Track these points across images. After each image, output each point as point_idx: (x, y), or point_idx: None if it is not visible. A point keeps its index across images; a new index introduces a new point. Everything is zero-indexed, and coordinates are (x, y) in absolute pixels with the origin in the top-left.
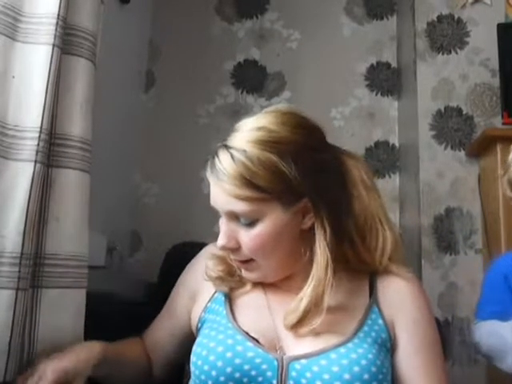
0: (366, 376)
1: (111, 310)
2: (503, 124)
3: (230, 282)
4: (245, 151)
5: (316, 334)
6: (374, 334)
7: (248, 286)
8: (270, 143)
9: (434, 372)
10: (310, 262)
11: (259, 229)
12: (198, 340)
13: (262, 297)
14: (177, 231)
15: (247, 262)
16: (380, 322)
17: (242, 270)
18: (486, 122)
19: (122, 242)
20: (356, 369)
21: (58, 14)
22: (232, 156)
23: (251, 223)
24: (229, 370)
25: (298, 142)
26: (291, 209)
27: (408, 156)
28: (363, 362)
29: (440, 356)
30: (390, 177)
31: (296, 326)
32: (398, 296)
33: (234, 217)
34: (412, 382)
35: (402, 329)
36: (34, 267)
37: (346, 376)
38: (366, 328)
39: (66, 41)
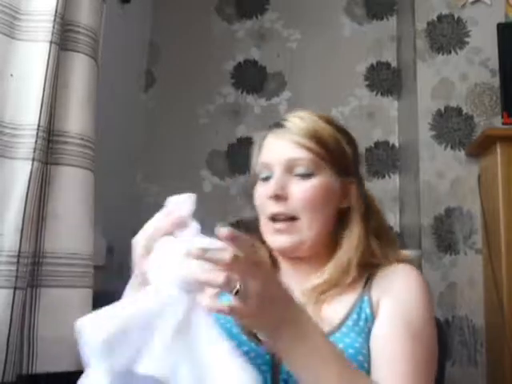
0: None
1: None
2: (503, 124)
3: None
4: (309, 117)
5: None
6: (361, 323)
7: None
8: (329, 120)
9: (411, 356)
10: (334, 245)
11: (313, 182)
12: None
13: None
14: None
15: (291, 220)
16: (368, 311)
17: (276, 237)
18: (486, 121)
19: (122, 242)
20: None
21: (56, 11)
22: (300, 117)
23: (307, 175)
24: None
25: (348, 137)
26: (339, 180)
27: (408, 156)
28: (350, 351)
29: (426, 346)
30: (389, 177)
31: (317, 290)
32: (390, 279)
33: (289, 168)
34: (378, 354)
35: (384, 304)
36: (33, 266)
37: None
38: (354, 316)
39: (64, 37)
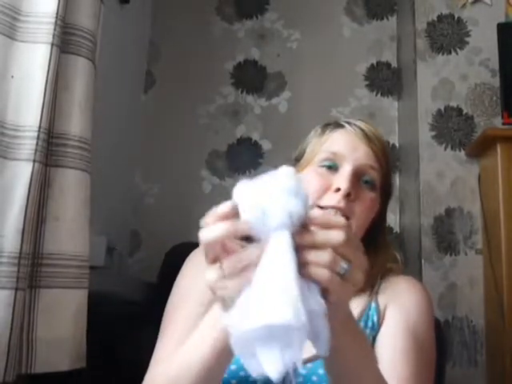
0: None
1: (111, 310)
2: (503, 124)
3: None
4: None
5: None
6: (367, 330)
7: None
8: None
9: (414, 362)
10: None
11: (375, 195)
12: None
13: None
14: (177, 231)
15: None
16: (375, 318)
17: None
18: (486, 121)
19: (122, 242)
20: None
21: (57, 13)
22: (375, 130)
23: (373, 187)
24: (233, 382)
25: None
26: (379, 200)
27: (408, 156)
28: None
29: (427, 352)
30: None
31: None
32: (396, 289)
33: (360, 172)
34: (384, 362)
35: (390, 312)
36: (33, 267)
37: None
38: (362, 324)
39: (65, 40)
